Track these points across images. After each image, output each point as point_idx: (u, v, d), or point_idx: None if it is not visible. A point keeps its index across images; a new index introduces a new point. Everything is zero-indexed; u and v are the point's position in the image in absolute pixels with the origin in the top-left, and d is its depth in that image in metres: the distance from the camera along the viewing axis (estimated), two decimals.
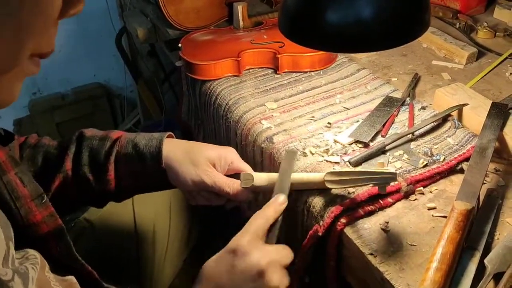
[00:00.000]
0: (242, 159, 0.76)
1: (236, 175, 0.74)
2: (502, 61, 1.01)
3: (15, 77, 0.43)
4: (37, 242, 0.58)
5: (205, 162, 0.72)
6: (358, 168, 0.64)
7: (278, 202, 0.63)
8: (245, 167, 0.74)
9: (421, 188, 0.70)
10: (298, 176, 0.69)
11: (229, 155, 0.74)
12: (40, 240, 0.59)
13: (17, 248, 0.52)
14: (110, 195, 0.77)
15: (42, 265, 0.53)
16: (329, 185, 0.66)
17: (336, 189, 0.67)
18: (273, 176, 0.69)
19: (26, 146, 0.76)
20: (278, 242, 0.62)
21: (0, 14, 0.38)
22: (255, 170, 0.75)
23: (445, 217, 0.65)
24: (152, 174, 0.74)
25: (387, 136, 0.80)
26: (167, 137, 0.76)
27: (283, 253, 0.60)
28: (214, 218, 0.74)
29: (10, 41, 0.40)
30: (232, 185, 0.72)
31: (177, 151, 0.74)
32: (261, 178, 0.69)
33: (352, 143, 0.79)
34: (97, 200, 0.79)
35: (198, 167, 0.72)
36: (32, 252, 0.54)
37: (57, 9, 0.41)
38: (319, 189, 0.69)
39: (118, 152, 0.75)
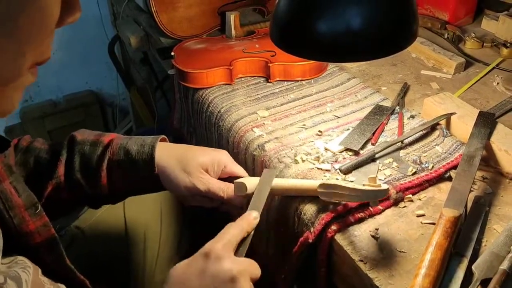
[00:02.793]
0: None
1: (230, 178, 0.74)
2: (490, 71, 1.03)
3: (16, 88, 0.44)
4: (29, 251, 0.58)
5: (198, 169, 0.72)
6: (350, 184, 0.64)
7: (252, 217, 0.63)
8: (239, 171, 0.75)
9: (410, 195, 0.71)
10: (292, 182, 0.70)
11: (222, 159, 0.74)
12: (32, 250, 0.59)
13: (8, 256, 0.52)
14: (104, 199, 0.78)
15: (35, 269, 0.53)
16: (321, 197, 0.67)
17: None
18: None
19: (18, 149, 0.76)
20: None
21: (2, 28, 0.38)
22: None
23: (433, 224, 0.66)
24: (146, 179, 0.75)
25: (377, 144, 0.81)
26: (160, 140, 0.76)
27: (254, 266, 0.59)
28: (205, 223, 0.75)
29: (12, 53, 0.40)
30: (226, 190, 0.72)
31: (169, 158, 0.74)
32: (254, 184, 0.70)
33: (343, 151, 0.80)
34: (91, 202, 0.80)
35: (191, 174, 0.72)
36: (21, 258, 0.54)
37: (56, 18, 0.42)
38: (310, 196, 0.69)
39: (110, 158, 0.75)
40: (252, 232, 0.63)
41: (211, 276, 0.56)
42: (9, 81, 0.42)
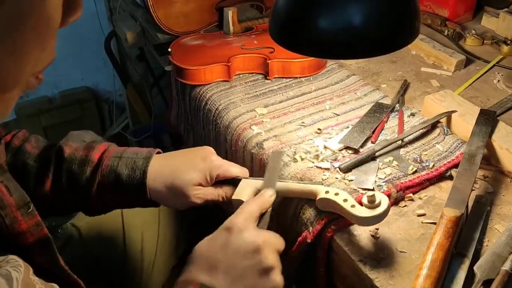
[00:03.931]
0: None
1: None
2: (490, 68, 1.02)
3: (16, 94, 0.43)
4: (22, 251, 0.57)
5: (191, 188, 0.69)
6: (348, 207, 0.61)
7: (268, 194, 0.64)
8: (232, 172, 0.71)
9: (411, 194, 0.70)
10: (291, 185, 0.69)
11: (213, 169, 0.70)
12: (25, 250, 0.58)
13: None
14: (97, 212, 0.77)
15: (27, 269, 0.52)
16: (319, 206, 0.66)
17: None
18: (262, 184, 0.68)
19: (10, 149, 0.74)
20: None
21: (1, 44, 0.37)
22: None
23: (434, 223, 0.65)
24: (139, 202, 0.73)
25: (377, 142, 0.80)
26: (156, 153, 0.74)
27: (277, 238, 0.59)
28: (202, 225, 0.73)
29: (13, 63, 0.39)
30: (223, 193, 0.71)
31: (161, 184, 0.70)
32: (249, 193, 0.68)
33: (342, 149, 0.79)
34: (83, 211, 0.78)
35: (185, 196, 0.70)
36: (12, 257, 0.52)
37: (58, 22, 0.40)
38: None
39: (100, 181, 0.72)
40: (271, 208, 0.63)
41: (235, 249, 0.56)
42: (8, 89, 0.41)
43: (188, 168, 0.70)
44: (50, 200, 0.72)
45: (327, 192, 0.64)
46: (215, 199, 0.71)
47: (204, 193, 0.70)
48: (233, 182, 0.71)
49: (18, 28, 0.37)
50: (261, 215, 0.62)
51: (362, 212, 0.60)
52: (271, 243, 0.58)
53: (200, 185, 0.70)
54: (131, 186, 0.71)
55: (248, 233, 0.57)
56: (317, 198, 0.65)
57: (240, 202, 0.66)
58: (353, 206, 0.61)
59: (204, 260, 0.57)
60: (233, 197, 0.68)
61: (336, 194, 0.63)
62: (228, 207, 0.72)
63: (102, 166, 0.72)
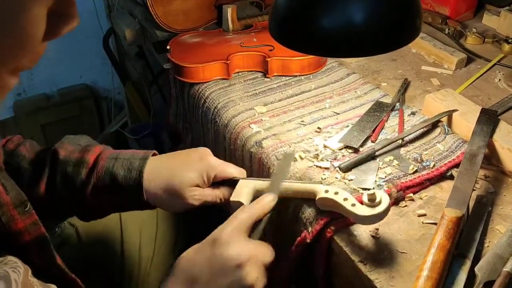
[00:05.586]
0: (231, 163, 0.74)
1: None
2: (491, 67, 1.01)
3: None
4: (19, 250, 0.56)
5: (188, 189, 0.68)
6: (348, 205, 0.61)
7: (266, 200, 0.62)
8: (229, 173, 0.71)
9: (411, 194, 0.70)
10: (290, 185, 0.68)
11: (209, 169, 0.70)
12: (22, 249, 0.57)
13: None
14: (92, 216, 0.76)
15: (25, 270, 0.52)
16: (319, 206, 0.65)
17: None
18: (261, 184, 0.68)
19: (4, 151, 0.72)
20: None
21: None
22: None
23: (435, 224, 0.65)
24: (135, 204, 0.72)
25: (377, 141, 0.79)
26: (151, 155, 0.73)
27: (264, 250, 0.58)
28: (201, 223, 0.73)
29: None
30: (221, 195, 0.70)
31: (157, 187, 0.69)
32: (248, 194, 0.67)
33: (342, 148, 0.78)
34: (78, 216, 0.77)
35: (183, 198, 0.69)
36: (11, 258, 0.52)
37: (40, 30, 0.38)
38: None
39: (95, 183, 0.70)
40: (267, 216, 0.61)
41: (217, 264, 0.55)
42: None
43: (185, 169, 0.69)
44: (44, 203, 0.71)
45: (326, 191, 0.63)
46: (212, 201, 0.70)
47: (201, 194, 0.69)
48: (231, 183, 0.70)
49: None
50: (257, 222, 0.60)
51: (363, 211, 0.60)
52: (257, 257, 0.56)
53: (197, 186, 0.69)
54: (127, 187, 0.70)
55: (234, 246, 0.55)
56: (317, 197, 0.64)
57: (238, 204, 0.66)
58: (353, 205, 0.61)
59: (185, 273, 0.56)
60: (231, 198, 0.67)
61: (336, 193, 0.63)
62: (227, 207, 0.71)
63: (97, 167, 0.71)
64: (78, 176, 0.70)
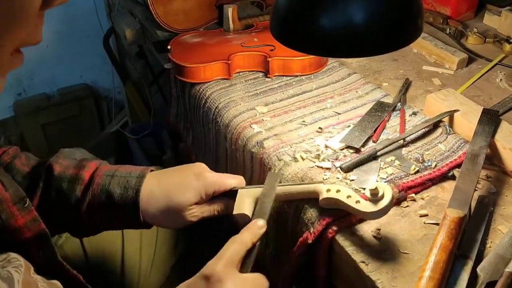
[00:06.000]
0: (232, 164, 0.74)
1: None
2: (492, 67, 1.01)
3: None
4: (19, 247, 0.56)
5: (186, 209, 0.67)
6: (352, 203, 0.60)
7: (257, 226, 0.60)
8: (228, 185, 0.69)
9: (413, 194, 0.69)
10: (291, 188, 0.68)
11: (207, 187, 0.68)
12: (22, 246, 0.57)
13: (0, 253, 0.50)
14: (84, 233, 0.74)
15: (27, 267, 0.51)
16: (322, 205, 0.65)
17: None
18: (259, 192, 0.67)
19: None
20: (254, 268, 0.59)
21: None
22: (245, 176, 0.74)
23: (437, 224, 0.65)
24: (131, 224, 0.71)
25: (378, 141, 0.79)
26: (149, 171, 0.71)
27: (259, 283, 0.57)
28: (201, 224, 0.72)
29: None
30: (219, 208, 0.69)
31: (154, 208, 0.68)
32: (250, 204, 0.66)
33: (344, 149, 0.78)
34: (71, 232, 0.76)
35: (181, 217, 0.68)
36: (14, 255, 0.52)
37: (38, 3, 0.39)
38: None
39: (90, 201, 0.69)
40: (259, 243, 0.60)
41: None
42: None
43: (182, 189, 0.68)
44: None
45: (328, 190, 0.63)
46: (210, 215, 0.69)
47: (199, 211, 0.68)
48: (230, 194, 0.69)
49: None
50: (248, 251, 0.59)
51: (367, 207, 0.60)
52: None
53: (195, 203, 0.68)
54: (124, 206, 0.68)
55: (227, 284, 0.54)
56: (320, 198, 0.64)
57: (243, 216, 0.65)
58: (357, 202, 0.61)
59: None
60: (234, 211, 0.66)
61: (338, 191, 0.63)
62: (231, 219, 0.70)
63: (93, 185, 0.69)
64: (73, 193, 0.68)
